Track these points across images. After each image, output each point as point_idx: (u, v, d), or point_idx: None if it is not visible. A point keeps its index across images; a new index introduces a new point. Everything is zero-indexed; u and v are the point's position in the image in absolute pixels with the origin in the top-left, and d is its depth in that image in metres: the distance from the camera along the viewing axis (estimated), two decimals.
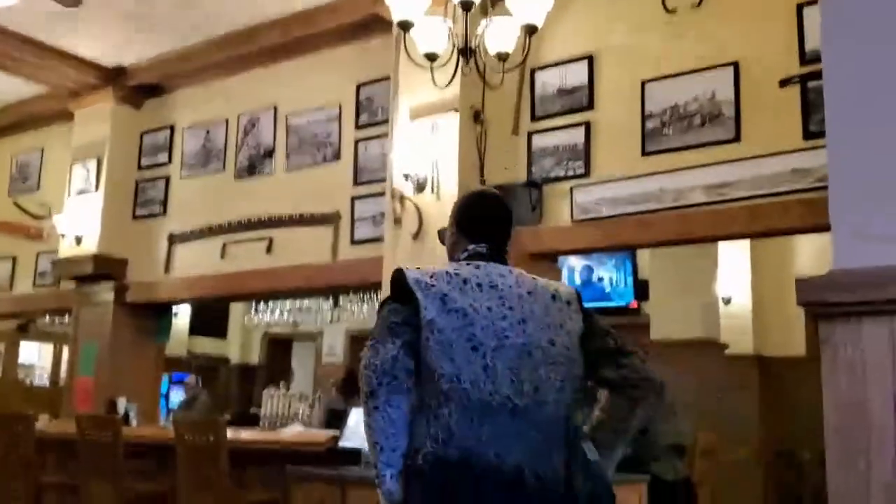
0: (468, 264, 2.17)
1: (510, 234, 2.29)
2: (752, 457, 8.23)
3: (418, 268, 2.14)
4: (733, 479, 7.53)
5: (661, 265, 8.01)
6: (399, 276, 2.11)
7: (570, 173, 4.99)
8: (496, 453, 1.96)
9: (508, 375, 2.01)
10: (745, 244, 8.39)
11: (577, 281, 9.43)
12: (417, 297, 2.04)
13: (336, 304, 8.81)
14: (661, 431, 5.98)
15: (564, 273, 7.37)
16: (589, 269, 9.57)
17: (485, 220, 2.27)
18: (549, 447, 2.01)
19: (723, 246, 7.91)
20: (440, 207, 5.09)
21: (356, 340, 12.49)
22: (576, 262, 9.31)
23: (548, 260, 5.26)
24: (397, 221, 5.21)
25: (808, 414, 8.40)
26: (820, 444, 5.70)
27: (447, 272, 2.12)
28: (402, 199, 5.18)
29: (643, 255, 8.79)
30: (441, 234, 2.40)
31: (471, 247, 2.23)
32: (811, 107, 4.23)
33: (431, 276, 2.10)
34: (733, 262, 8.38)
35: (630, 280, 9.19)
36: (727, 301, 8.42)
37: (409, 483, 2.00)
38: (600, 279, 9.47)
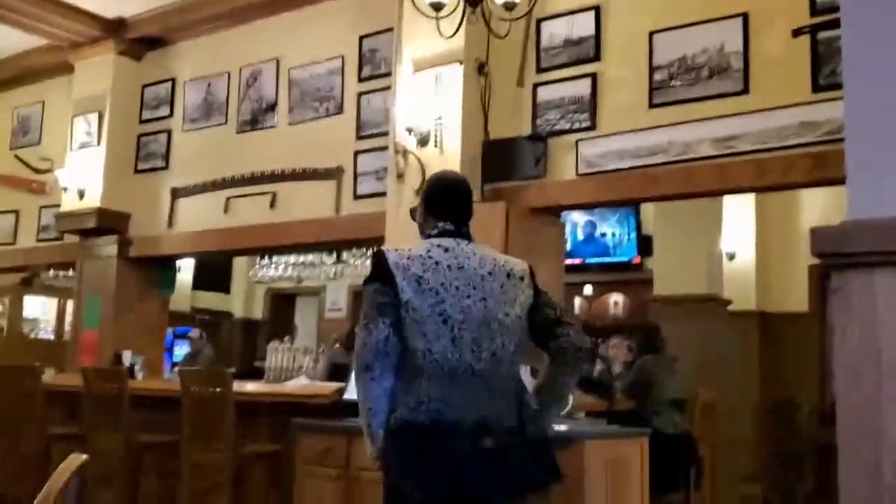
0: (439, 245, 2.53)
1: (472, 212, 2.66)
2: (751, 413, 8.30)
3: (396, 249, 2.52)
4: (732, 432, 7.60)
5: (666, 220, 7.98)
6: (380, 258, 2.50)
7: (576, 126, 4.94)
8: (462, 412, 2.39)
9: (471, 345, 2.44)
10: (750, 199, 8.35)
11: (580, 237, 9.43)
12: (396, 280, 2.43)
13: (339, 259, 8.82)
14: (662, 386, 6.02)
15: (567, 229, 7.35)
16: (592, 225, 9.55)
17: (450, 201, 2.65)
18: (504, 401, 2.47)
19: (728, 201, 7.88)
20: (443, 161, 5.05)
21: (359, 296, 12.54)
22: (578, 218, 9.29)
23: (551, 214, 5.24)
24: (400, 176, 5.18)
25: (807, 369, 8.53)
26: (818, 397, 5.77)
27: (421, 255, 2.50)
28: (405, 153, 5.14)
29: (647, 211, 8.77)
30: (412, 211, 2.75)
31: (440, 224, 2.59)
32: (821, 59, 4.17)
33: (408, 258, 2.49)
34: (738, 217, 8.35)
35: (633, 235, 9.17)
36: (731, 257, 8.40)
37: (385, 444, 2.42)
38: (603, 235, 9.45)
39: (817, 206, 7.84)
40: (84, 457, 1.46)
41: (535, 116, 5.10)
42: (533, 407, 2.50)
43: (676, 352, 6.40)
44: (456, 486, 2.37)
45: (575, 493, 4.17)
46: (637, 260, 9.17)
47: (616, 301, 9.71)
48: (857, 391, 1.30)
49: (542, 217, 5.07)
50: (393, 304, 2.43)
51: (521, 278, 2.59)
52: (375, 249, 2.58)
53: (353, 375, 3.99)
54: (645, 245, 8.94)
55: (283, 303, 13.87)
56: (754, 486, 8.22)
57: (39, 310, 11.67)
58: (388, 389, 2.42)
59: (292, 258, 8.83)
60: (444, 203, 2.65)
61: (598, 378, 6.05)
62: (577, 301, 9.76)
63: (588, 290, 9.77)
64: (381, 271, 2.49)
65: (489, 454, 2.38)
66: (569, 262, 6.34)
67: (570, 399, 2.80)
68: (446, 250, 2.52)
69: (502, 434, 2.41)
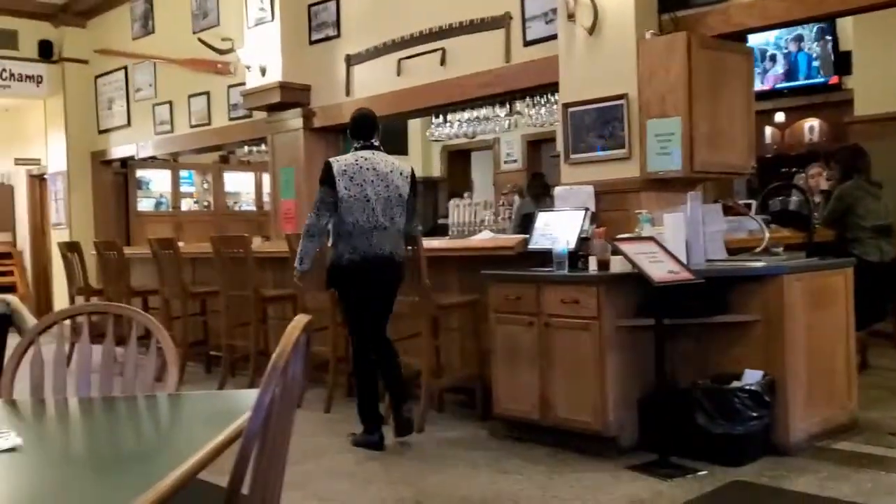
0: (362, 156, 4.50)
1: (377, 132, 4.61)
2: None
3: (338, 160, 4.51)
4: None
5: (867, 33, 7.24)
6: (328, 168, 4.47)
7: None
8: (379, 248, 4.45)
9: (381, 212, 4.44)
10: None
11: (766, 62, 8.77)
12: (337, 183, 4.41)
13: (511, 110, 8.72)
14: (866, 213, 5.67)
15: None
16: (780, 47, 8.87)
17: (360, 129, 4.62)
18: (398, 243, 4.56)
19: None
20: None
21: (533, 145, 12.48)
22: (773, 37, 8.64)
23: (737, 40, 4.90)
24: (571, 17, 4.98)
25: None
26: None
27: (352, 162, 4.47)
28: None
29: (845, 25, 7.99)
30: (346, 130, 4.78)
31: (360, 142, 4.58)
32: None
33: (345, 166, 4.45)
34: None
35: (830, 54, 8.43)
36: None
37: (337, 271, 4.53)
38: (795, 56, 8.76)
39: None
40: (308, 317, 1.59)
41: None
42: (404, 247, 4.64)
43: (880, 175, 5.97)
44: (379, 282, 4.52)
45: (776, 329, 4.11)
46: (835, 80, 8.46)
47: (811, 126, 9.09)
48: None
49: (727, 44, 4.75)
50: (334, 201, 4.42)
51: (407, 177, 4.57)
52: (325, 161, 4.56)
53: (537, 224, 5.05)
54: (843, 63, 8.21)
55: (458, 159, 14.07)
56: None
57: (239, 184, 12.52)
58: (316, 246, 4.59)
59: (465, 114, 8.82)
60: (358, 130, 4.61)
61: (795, 209, 5.77)
62: (768, 130, 9.22)
63: (780, 117, 9.18)
64: (329, 178, 4.44)
65: (397, 266, 4.55)
66: (757, 88, 5.94)
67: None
68: (366, 159, 4.48)
69: (399, 258, 4.55)
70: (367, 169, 4.43)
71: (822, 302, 4.35)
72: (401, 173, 4.52)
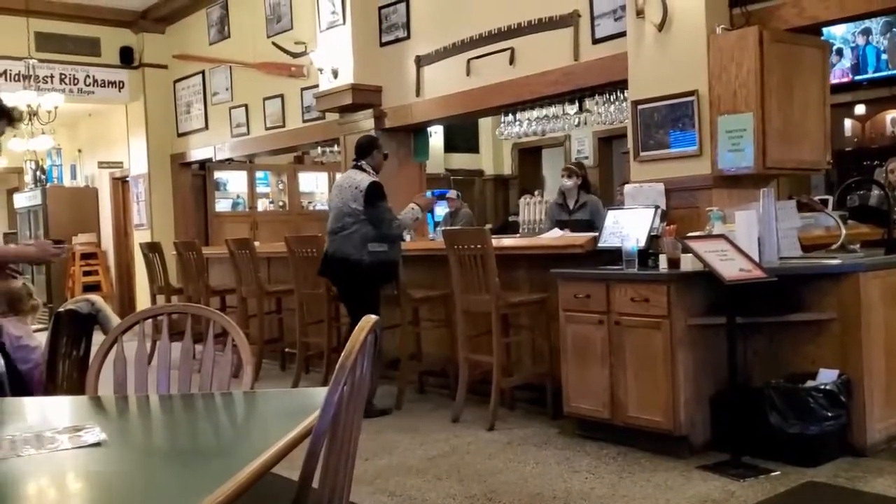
0: (343, 174, 5.69)
1: (367, 154, 5.48)
2: None
3: (343, 174, 5.76)
4: None
5: None
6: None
7: None
8: (330, 249, 5.45)
9: (334, 219, 5.41)
10: None
11: (847, 53, 8.51)
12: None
13: (581, 108, 8.66)
14: None
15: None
16: (848, 41, 8.59)
17: (355, 151, 5.53)
18: (353, 245, 5.29)
19: None
20: None
21: (604, 141, 12.37)
22: (842, 31, 8.38)
23: (811, 33, 4.78)
24: (640, 13, 4.94)
25: None
26: None
27: (337, 179, 5.80)
28: None
29: None
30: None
31: (354, 161, 5.53)
32: None
33: (336, 182, 5.64)
34: None
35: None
36: None
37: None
38: (862, 49, 8.49)
39: None
40: (375, 317, 1.64)
41: None
42: (372, 250, 5.28)
43: None
44: (333, 275, 5.58)
45: (852, 327, 4.01)
46: None
47: (894, 118, 8.79)
48: None
49: (800, 38, 4.64)
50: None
51: (361, 190, 5.25)
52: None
53: (607, 222, 4.91)
54: None
55: (529, 156, 14.05)
56: None
57: (313, 184, 12.75)
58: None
59: (535, 113, 8.79)
60: (354, 152, 5.52)
61: (875, 205, 5.61)
62: (848, 123, 8.95)
63: (860, 109, 8.91)
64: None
65: (345, 265, 5.34)
66: (835, 81, 5.78)
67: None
68: (341, 176, 5.58)
69: (349, 259, 5.29)
70: (336, 185, 5.54)
71: None
72: (355, 187, 5.30)
